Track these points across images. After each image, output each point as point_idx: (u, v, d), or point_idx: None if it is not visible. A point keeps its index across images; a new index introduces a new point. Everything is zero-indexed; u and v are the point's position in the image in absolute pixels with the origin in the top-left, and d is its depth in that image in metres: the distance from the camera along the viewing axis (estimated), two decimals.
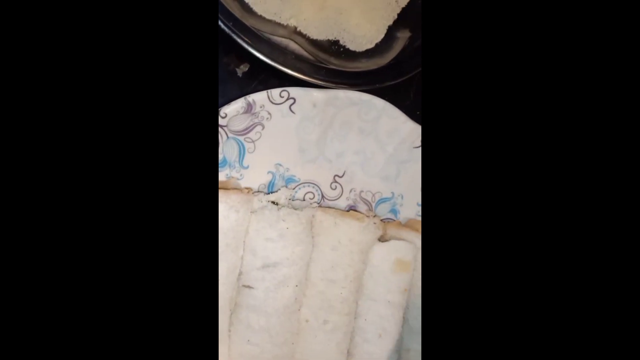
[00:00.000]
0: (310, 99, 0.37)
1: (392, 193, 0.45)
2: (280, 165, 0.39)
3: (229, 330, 0.34)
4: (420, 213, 0.45)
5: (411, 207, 0.45)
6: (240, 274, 0.35)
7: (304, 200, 0.40)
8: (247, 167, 0.37)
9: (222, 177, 0.36)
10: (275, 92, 0.35)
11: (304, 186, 0.40)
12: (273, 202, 0.36)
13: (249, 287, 0.34)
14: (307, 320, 0.36)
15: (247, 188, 0.36)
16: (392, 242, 0.40)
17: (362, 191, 0.43)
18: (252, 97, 0.35)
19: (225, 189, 0.34)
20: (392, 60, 0.43)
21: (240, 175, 0.37)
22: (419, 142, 0.43)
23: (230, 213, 0.32)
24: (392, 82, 0.42)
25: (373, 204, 0.44)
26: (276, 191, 0.37)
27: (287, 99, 0.36)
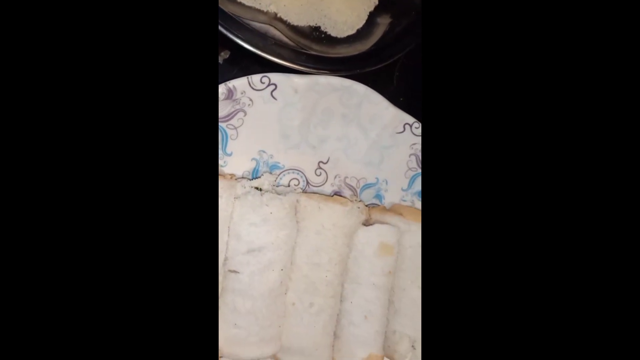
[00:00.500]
0: (292, 85, 0.37)
1: (377, 178, 0.45)
2: (263, 152, 0.39)
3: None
4: (404, 198, 0.46)
5: (395, 192, 0.45)
6: (225, 259, 0.35)
7: (288, 186, 0.40)
8: (231, 154, 0.37)
9: None
10: (255, 78, 0.35)
11: (288, 173, 0.40)
12: (256, 188, 0.36)
13: (234, 271, 0.35)
14: (293, 304, 0.36)
15: (230, 174, 0.36)
16: (376, 226, 0.41)
17: (346, 177, 0.44)
18: (232, 83, 0.35)
19: None
20: (373, 46, 0.43)
21: (224, 162, 0.37)
22: (401, 128, 0.44)
23: None
24: (373, 68, 0.42)
25: (358, 190, 0.45)
26: (260, 177, 0.38)
27: (268, 84, 0.36)
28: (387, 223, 0.42)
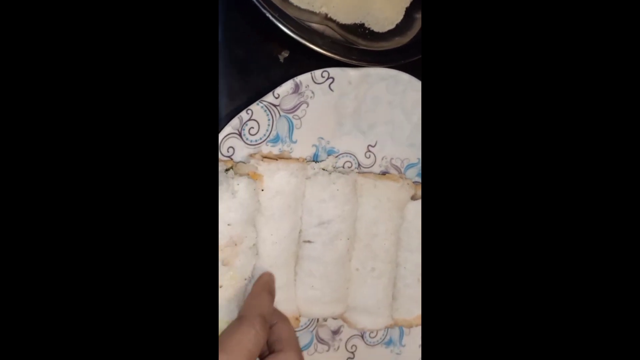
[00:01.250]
0: (347, 78, 0.42)
1: (418, 159, 0.50)
2: (322, 138, 0.44)
3: (295, 280, 0.40)
4: None
5: None
6: (300, 231, 0.40)
7: (344, 168, 0.45)
8: (296, 142, 0.42)
9: (275, 151, 0.41)
10: (317, 73, 0.40)
11: (343, 156, 0.45)
12: (323, 169, 0.41)
13: (308, 241, 0.40)
14: (357, 269, 0.42)
15: (302, 158, 0.42)
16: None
17: (392, 158, 0.49)
18: (299, 79, 0.40)
19: (285, 158, 0.39)
20: (412, 38, 0.48)
21: (291, 149, 0.42)
22: None
23: (291, 179, 0.38)
24: (415, 58, 0.47)
25: (402, 169, 0.50)
26: (324, 160, 0.43)
27: (327, 78, 0.41)
28: None
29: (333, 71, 0.41)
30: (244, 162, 0.39)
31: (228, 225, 0.36)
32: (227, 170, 0.38)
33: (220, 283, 0.35)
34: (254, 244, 0.38)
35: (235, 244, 0.36)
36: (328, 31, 0.44)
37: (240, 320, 0.33)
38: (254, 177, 0.37)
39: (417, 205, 0.46)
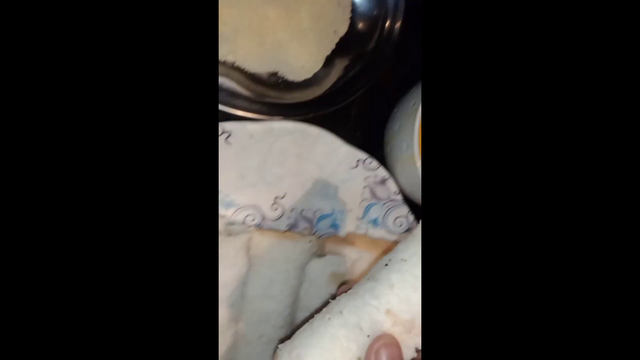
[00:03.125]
0: (246, 132, 0.40)
1: (333, 209, 0.49)
2: (219, 191, 0.42)
3: None
4: (360, 226, 0.49)
5: (351, 221, 0.49)
6: None
7: (243, 223, 0.43)
8: None
9: None
10: None
11: (244, 209, 0.43)
12: None
13: None
14: (244, 335, 0.40)
15: None
16: (328, 257, 0.44)
17: (303, 210, 0.47)
18: None
19: None
20: (328, 89, 0.46)
21: None
22: (354, 164, 0.47)
23: None
24: (329, 110, 0.45)
25: (314, 221, 0.48)
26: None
27: (222, 132, 0.39)
28: (339, 253, 0.46)
29: (228, 125, 0.39)
30: None
31: None
32: None
33: None
34: None
35: None
36: (228, 83, 0.42)
37: None
38: None
39: (320, 264, 0.44)
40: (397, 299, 0.25)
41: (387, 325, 0.24)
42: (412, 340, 0.24)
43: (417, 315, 0.25)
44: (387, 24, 0.48)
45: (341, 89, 0.46)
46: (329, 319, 0.26)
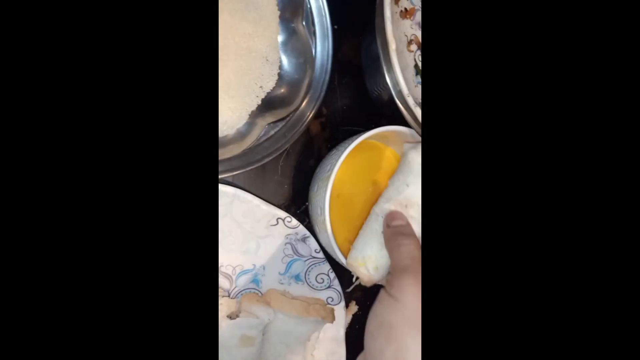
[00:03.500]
0: None
1: (254, 265, 0.48)
2: None
3: None
4: (282, 281, 0.49)
5: (273, 276, 0.48)
6: None
7: None
8: None
9: None
10: None
11: None
12: None
13: None
14: None
15: None
16: (239, 320, 0.44)
17: (221, 265, 0.47)
18: None
19: None
20: (250, 145, 0.46)
21: None
22: (274, 222, 0.47)
23: None
24: (250, 168, 0.45)
25: (234, 277, 0.48)
26: None
27: None
28: (252, 314, 0.45)
29: None
30: None
31: None
32: None
33: None
34: None
35: None
36: None
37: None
38: None
39: (232, 326, 0.44)
40: (396, 191, 0.39)
41: (392, 207, 0.38)
42: (406, 212, 0.38)
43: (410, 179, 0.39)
44: (313, 84, 0.48)
45: (266, 144, 0.46)
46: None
